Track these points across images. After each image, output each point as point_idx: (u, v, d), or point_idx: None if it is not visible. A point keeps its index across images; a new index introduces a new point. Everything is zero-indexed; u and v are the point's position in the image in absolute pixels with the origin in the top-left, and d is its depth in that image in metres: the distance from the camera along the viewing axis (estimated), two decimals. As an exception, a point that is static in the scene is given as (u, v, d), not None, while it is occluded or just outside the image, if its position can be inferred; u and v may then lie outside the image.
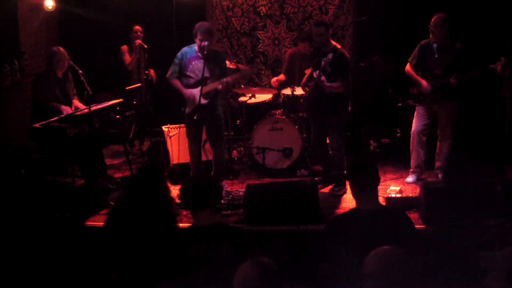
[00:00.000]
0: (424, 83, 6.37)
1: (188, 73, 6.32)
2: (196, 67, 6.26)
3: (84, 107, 6.57)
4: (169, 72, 6.41)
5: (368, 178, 3.70)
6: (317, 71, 6.25)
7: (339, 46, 6.46)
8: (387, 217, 3.65)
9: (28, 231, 5.80)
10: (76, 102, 6.98)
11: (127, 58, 8.06)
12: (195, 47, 6.32)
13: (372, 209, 3.64)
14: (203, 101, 6.24)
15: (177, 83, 6.37)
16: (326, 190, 6.60)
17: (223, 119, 6.64)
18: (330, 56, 6.19)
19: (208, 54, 6.18)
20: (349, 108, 6.67)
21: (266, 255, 2.94)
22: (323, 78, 6.23)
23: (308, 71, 7.17)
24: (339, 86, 6.27)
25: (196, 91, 6.22)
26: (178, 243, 3.74)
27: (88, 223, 5.98)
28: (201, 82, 6.18)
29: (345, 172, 6.51)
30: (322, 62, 6.20)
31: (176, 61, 6.37)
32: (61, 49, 6.91)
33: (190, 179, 4.69)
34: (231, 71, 7.27)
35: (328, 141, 6.69)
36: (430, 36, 6.36)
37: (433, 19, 6.31)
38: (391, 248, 2.93)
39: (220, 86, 6.27)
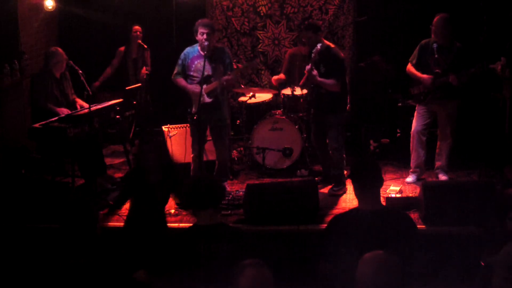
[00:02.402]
0: (425, 76, 6.36)
1: (191, 73, 6.32)
2: (200, 66, 6.24)
3: (87, 105, 6.55)
4: (173, 73, 6.43)
5: (370, 178, 3.69)
6: (309, 65, 6.27)
7: (332, 46, 6.46)
8: (388, 217, 3.65)
9: (28, 231, 5.79)
10: (80, 102, 6.96)
11: (114, 63, 8.11)
12: (197, 46, 6.32)
13: (374, 209, 3.64)
14: (208, 99, 6.26)
15: (181, 81, 6.38)
16: (326, 190, 6.59)
17: (228, 120, 6.63)
18: (318, 46, 6.23)
19: (210, 52, 6.20)
20: (348, 108, 6.68)
21: (266, 255, 2.95)
22: (315, 72, 6.24)
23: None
24: (333, 84, 6.25)
25: (201, 90, 6.26)
26: (179, 242, 3.75)
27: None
28: (202, 81, 6.18)
29: (345, 172, 6.52)
30: (312, 54, 6.25)
31: (179, 61, 6.38)
32: (60, 50, 6.89)
33: (194, 178, 4.70)
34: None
35: (328, 141, 6.69)
36: (432, 35, 6.36)
37: (435, 19, 6.31)
38: (385, 253, 2.93)
39: (223, 84, 6.27)
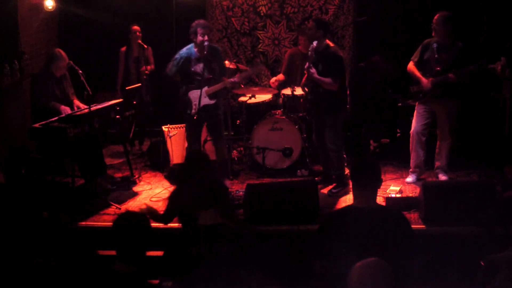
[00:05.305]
0: (424, 80, 6.37)
1: (191, 75, 6.33)
2: (199, 68, 6.28)
3: (85, 106, 6.56)
4: (168, 68, 6.41)
5: (370, 178, 3.70)
6: (307, 63, 6.30)
7: (332, 45, 6.46)
8: (382, 215, 3.66)
9: (28, 231, 5.78)
10: (77, 102, 6.97)
11: (121, 65, 8.08)
12: (193, 48, 6.32)
13: (368, 207, 3.65)
14: (210, 101, 6.31)
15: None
16: (326, 190, 6.59)
17: (223, 118, 6.66)
18: (314, 43, 6.27)
19: (208, 53, 6.22)
20: (347, 108, 6.67)
21: (266, 255, 2.95)
22: (313, 70, 6.25)
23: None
24: (330, 82, 6.25)
25: (201, 92, 6.29)
26: (180, 242, 3.75)
27: (87, 223, 5.97)
28: (202, 83, 6.21)
29: (346, 171, 6.52)
30: (309, 51, 6.30)
31: (175, 62, 6.36)
32: (62, 52, 6.87)
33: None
34: (231, 71, 7.28)
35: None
36: (433, 34, 6.36)
37: (435, 17, 6.32)
38: (376, 261, 2.93)
39: (229, 85, 6.43)
